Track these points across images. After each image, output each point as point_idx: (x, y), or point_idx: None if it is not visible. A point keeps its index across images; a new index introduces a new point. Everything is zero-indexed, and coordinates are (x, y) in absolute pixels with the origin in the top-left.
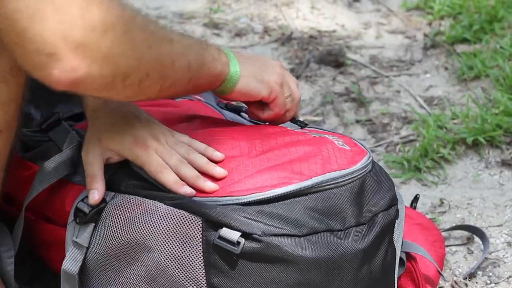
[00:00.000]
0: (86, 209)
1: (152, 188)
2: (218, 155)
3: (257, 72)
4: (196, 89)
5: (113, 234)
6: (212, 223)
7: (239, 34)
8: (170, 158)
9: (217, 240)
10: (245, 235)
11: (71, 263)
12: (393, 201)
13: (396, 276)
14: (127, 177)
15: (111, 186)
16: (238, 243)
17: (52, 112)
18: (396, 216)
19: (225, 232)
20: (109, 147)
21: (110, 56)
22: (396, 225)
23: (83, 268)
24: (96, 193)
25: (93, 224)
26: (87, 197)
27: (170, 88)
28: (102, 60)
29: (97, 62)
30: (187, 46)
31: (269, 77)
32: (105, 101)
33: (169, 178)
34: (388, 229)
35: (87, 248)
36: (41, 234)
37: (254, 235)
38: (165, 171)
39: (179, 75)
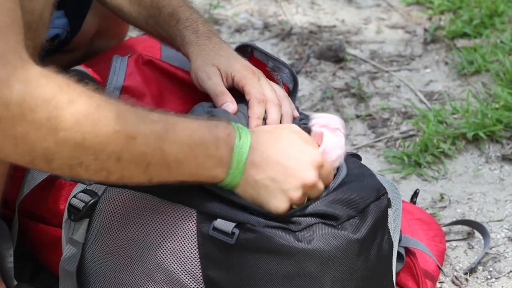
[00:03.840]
0: (79, 205)
1: None
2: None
3: (275, 176)
4: (167, 183)
5: (107, 230)
6: (206, 215)
7: (239, 29)
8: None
9: (212, 231)
10: (240, 225)
11: (68, 260)
12: (380, 190)
13: (394, 268)
14: None
15: None
16: (233, 233)
17: None
18: (389, 204)
19: (219, 223)
20: (225, 70)
21: (21, 138)
22: (392, 215)
23: (81, 266)
24: (231, 105)
25: (88, 219)
26: (79, 192)
27: (121, 180)
28: (12, 142)
29: (7, 140)
30: (157, 148)
31: (291, 185)
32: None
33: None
34: (382, 219)
35: (84, 244)
36: (36, 235)
37: (248, 225)
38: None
39: (129, 173)
